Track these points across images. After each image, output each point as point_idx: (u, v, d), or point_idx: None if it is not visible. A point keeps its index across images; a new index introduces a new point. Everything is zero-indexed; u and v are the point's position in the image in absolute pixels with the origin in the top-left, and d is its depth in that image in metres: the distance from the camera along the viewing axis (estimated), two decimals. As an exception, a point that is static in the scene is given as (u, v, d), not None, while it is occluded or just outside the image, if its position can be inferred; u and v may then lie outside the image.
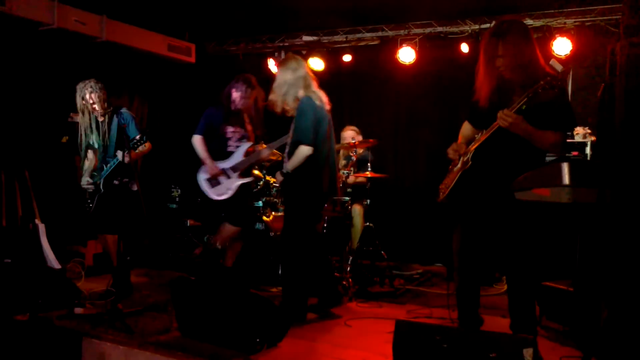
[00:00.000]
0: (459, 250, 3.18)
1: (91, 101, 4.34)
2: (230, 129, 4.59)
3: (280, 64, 4.14)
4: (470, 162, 3.04)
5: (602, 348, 2.37)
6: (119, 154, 4.18)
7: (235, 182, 4.53)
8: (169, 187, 6.33)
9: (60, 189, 5.27)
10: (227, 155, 4.57)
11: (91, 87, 4.33)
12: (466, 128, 3.36)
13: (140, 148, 4.16)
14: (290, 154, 3.85)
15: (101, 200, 4.39)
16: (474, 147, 3.03)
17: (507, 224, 2.94)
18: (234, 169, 4.55)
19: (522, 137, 2.82)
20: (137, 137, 3.95)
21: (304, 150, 3.77)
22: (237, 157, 4.56)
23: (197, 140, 4.56)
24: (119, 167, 4.26)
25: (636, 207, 2.42)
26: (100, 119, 4.43)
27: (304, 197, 3.89)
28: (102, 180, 4.36)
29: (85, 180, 4.45)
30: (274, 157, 5.52)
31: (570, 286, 3.44)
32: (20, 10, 4.77)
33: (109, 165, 4.33)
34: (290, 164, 3.83)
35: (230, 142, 4.59)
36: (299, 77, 3.89)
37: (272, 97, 3.97)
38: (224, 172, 4.54)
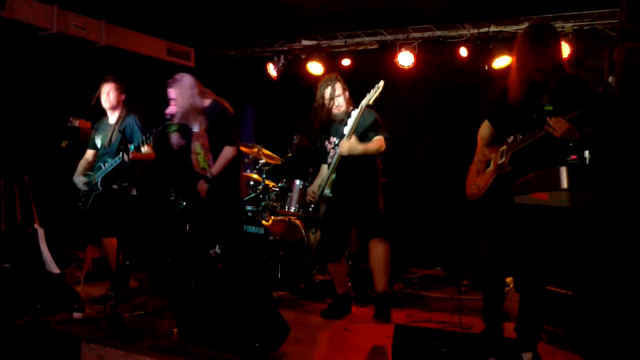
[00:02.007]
0: (490, 252, 3.25)
1: (101, 92, 4.42)
2: (327, 142, 4.16)
3: None
4: (509, 167, 3.08)
5: (601, 352, 2.37)
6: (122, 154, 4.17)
7: (324, 202, 4.06)
8: (168, 192, 6.33)
9: (60, 194, 5.27)
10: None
11: (105, 80, 4.46)
12: (486, 128, 3.43)
13: (144, 149, 4.20)
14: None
15: (97, 201, 4.36)
16: (512, 150, 3.07)
17: (540, 227, 2.98)
18: (323, 185, 4.07)
19: (560, 141, 2.87)
20: (142, 138, 4.04)
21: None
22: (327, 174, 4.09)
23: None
24: (119, 171, 4.25)
25: (635, 211, 2.43)
26: (111, 121, 4.47)
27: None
28: (99, 180, 4.33)
29: (79, 179, 4.44)
30: (272, 161, 5.53)
31: (570, 290, 3.44)
32: (20, 14, 4.78)
33: (108, 164, 4.30)
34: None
35: (329, 158, 4.13)
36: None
37: None
38: (320, 190, 4.11)
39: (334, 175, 3.97)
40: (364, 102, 3.78)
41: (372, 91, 3.76)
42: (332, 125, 4.11)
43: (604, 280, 2.34)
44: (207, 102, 4.17)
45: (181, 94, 4.07)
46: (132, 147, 4.02)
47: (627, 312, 2.22)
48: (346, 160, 3.88)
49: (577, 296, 3.35)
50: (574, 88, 2.93)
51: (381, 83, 3.73)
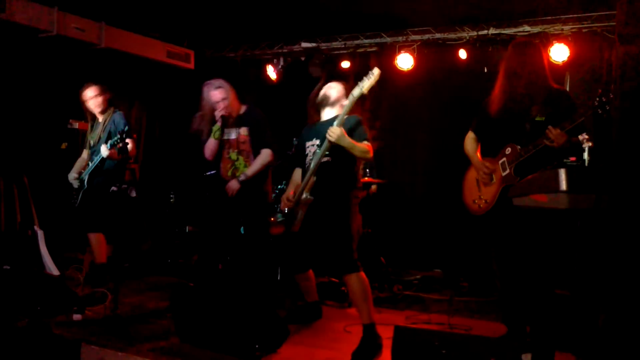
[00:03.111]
0: (504, 260, 3.37)
1: (85, 98, 4.54)
2: (308, 144, 3.75)
3: None
4: (517, 178, 3.17)
5: (599, 354, 2.38)
6: (102, 148, 4.25)
7: (302, 207, 3.61)
8: (168, 194, 6.34)
9: (60, 196, 5.28)
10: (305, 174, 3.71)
11: (88, 86, 4.56)
12: (472, 141, 3.57)
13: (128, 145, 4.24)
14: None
15: (84, 197, 4.50)
16: (516, 162, 3.20)
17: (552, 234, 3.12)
18: (302, 188, 3.60)
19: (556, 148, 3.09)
20: (117, 137, 3.98)
21: None
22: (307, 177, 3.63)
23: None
24: (117, 172, 4.33)
25: (633, 212, 2.44)
26: (100, 120, 4.58)
27: None
28: (86, 177, 4.48)
29: (72, 175, 4.59)
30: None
31: (568, 291, 3.45)
32: (20, 16, 4.79)
33: (93, 162, 4.44)
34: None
35: (307, 159, 3.70)
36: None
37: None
38: (297, 196, 3.68)
39: (314, 178, 3.53)
40: (356, 92, 3.27)
41: (366, 79, 3.25)
42: (315, 125, 3.76)
43: (604, 282, 2.36)
44: (243, 107, 4.20)
45: (228, 97, 4.07)
46: (109, 144, 4.10)
47: (627, 314, 2.23)
48: (328, 166, 3.50)
49: (576, 298, 3.36)
50: (560, 100, 3.18)
51: (376, 71, 3.24)
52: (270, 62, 6.73)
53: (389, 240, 5.96)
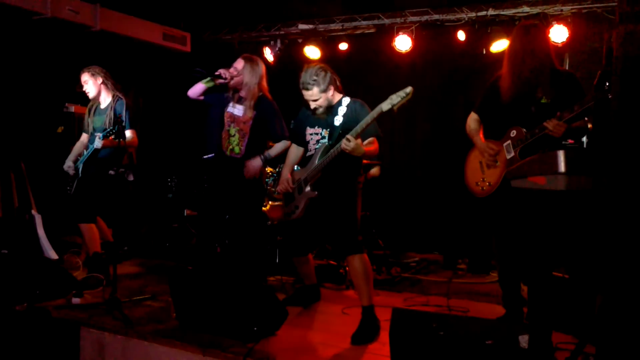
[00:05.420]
0: (505, 241, 3.39)
1: (83, 83, 4.50)
2: (309, 130, 3.72)
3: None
4: (522, 161, 3.14)
5: (598, 334, 2.40)
6: (96, 140, 4.24)
7: (303, 199, 3.63)
8: (165, 177, 6.33)
9: (57, 180, 5.27)
10: (307, 160, 3.71)
11: (86, 70, 4.50)
12: (474, 121, 3.53)
13: (127, 135, 4.24)
14: None
15: (79, 186, 4.47)
16: (523, 144, 3.17)
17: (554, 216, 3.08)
18: (305, 180, 3.63)
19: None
20: (111, 128, 4.02)
21: None
22: (312, 163, 3.62)
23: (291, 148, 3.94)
24: (115, 156, 4.30)
25: (632, 194, 2.44)
26: (102, 106, 4.53)
27: None
28: (81, 166, 4.44)
29: (68, 163, 4.54)
30: (271, 144, 5.51)
31: (566, 273, 3.46)
32: (14, -1, 4.74)
33: (88, 149, 4.40)
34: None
35: (310, 145, 3.71)
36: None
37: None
38: (298, 184, 3.70)
39: (320, 174, 3.52)
40: (385, 107, 3.18)
41: (397, 96, 3.17)
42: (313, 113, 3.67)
43: (601, 264, 2.36)
44: (259, 94, 4.14)
45: (252, 73, 4.05)
46: (101, 135, 4.12)
47: (624, 294, 2.24)
48: (337, 163, 3.43)
49: (574, 279, 3.37)
50: (565, 83, 3.17)
51: (409, 89, 3.16)
52: (267, 44, 6.68)
53: (387, 223, 5.98)
